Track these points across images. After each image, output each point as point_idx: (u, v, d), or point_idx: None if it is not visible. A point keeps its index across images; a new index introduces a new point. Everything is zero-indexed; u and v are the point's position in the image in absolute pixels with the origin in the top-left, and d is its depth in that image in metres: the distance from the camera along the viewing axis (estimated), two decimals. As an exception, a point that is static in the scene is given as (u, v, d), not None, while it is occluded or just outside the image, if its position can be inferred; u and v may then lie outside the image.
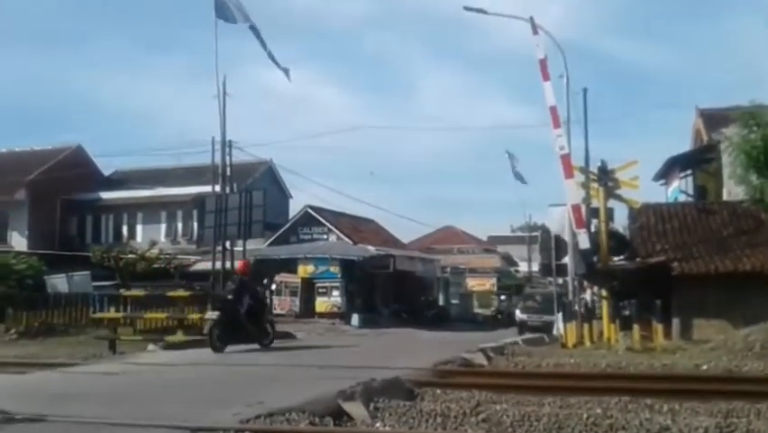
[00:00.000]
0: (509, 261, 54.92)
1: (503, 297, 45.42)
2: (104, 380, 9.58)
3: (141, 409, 6.95)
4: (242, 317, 13.92)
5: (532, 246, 42.23)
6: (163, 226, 38.93)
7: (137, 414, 6.57)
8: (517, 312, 29.60)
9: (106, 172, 42.97)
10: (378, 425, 6.81)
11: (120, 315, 17.91)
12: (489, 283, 47.52)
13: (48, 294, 24.30)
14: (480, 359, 11.71)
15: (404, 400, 7.67)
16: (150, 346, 14.78)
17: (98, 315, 19.22)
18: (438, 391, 8.45)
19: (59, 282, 26.65)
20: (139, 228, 39.37)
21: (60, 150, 40.69)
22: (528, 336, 18.81)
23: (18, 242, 37.12)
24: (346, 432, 6.36)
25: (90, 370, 10.80)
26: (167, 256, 33.84)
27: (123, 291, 21.79)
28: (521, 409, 7.14)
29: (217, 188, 26.43)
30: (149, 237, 36.77)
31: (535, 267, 36.11)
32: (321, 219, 35.12)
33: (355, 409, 7.10)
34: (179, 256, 34.53)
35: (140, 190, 38.40)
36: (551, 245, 17.64)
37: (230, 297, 14.20)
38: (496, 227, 67.23)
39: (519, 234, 60.85)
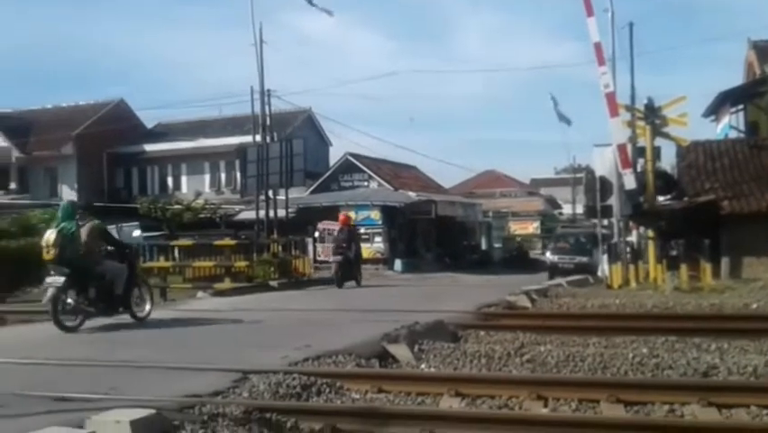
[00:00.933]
0: (553, 203, 54.30)
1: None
2: (157, 326, 9.90)
3: (193, 354, 7.19)
4: (352, 260, 17.51)
5: (576, 188, 41.60)
6: (207, 177, 39.48)
7: (190, 358, 6.79)
8: (547, 254, 27.05)
9: (149, 125, 43.53)
10: (422, 366, 6.91)
11: (169, 264, 18.39)
12: (531, 227, 47.21)
13: (100, 245, 24.97)
14: (523, 301, 11.72)
15: (448, 342, 7.75)
16: (200, 294, 15.18)
17: (149, 264, 19.75)
18: (482, 334, 8.51)
19: (109, 234, 27.31)
20: (183, 179, 40.01)
21: (104, 104, 41.28)
22: (559, 280, 17.00)
23: (68, 195, 38.09)
24: (391, 373, 6.48)
25: (143, 317, 11.13)
26: (212, 206, 34.43)
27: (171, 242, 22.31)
28: (565, 349, 7.15)
29: (258, 137, 26.56)
30: (194, 188, 37.43)
31: (580, 209, 35.63)
32: (361, 166, 35.09)
33: (400, 351, 7.22)
34: (224, 206, 35.08)
35: (182, 142, 38.87)
36: (596, 186, 17.29)
37: (344, 244, 17.44)
38: (539, 170, 66.39)
39: (563, 175, 59.95)
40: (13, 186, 39.61)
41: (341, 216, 20.49)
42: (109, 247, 10.30)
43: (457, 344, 7.80)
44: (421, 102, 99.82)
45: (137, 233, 24.90)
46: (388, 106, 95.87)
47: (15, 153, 39.05)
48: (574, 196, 44.31)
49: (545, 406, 5.35)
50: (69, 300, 9.28)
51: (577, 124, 66.55)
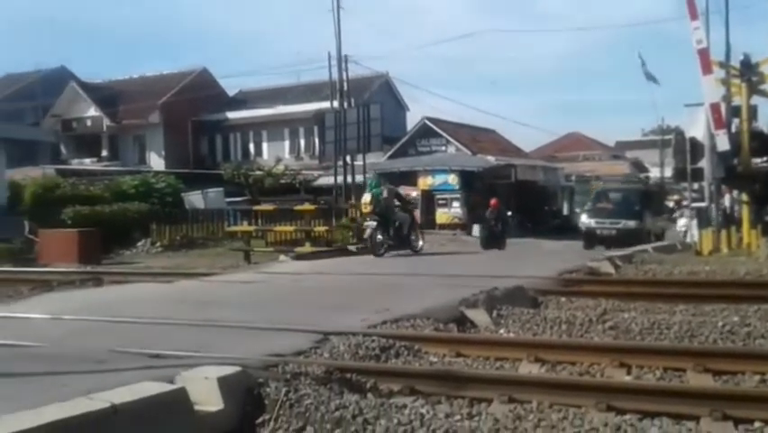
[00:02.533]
0: (639, 167, 52.29)
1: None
2: (241, 288, 10.23)
3: (276, 315, 7.39)
4: (498, 233, 20.40)
5: (664, 151, 39.87)
6: (287, 143, 40.19)
7: (272, 319, 6.99)
8: (582, 217, 22.17)
9: (230, 93, 44.53)
10: (501, 331, 6.87)
11: (252, 228, 18.91)
12: (616, 191, 45.66)
13: (186, 210, 25.97)
14: (606, 267, 11.42)
15: (527, 308, 7.66)
16: (282, 257, 15.55)
17: (233, 228, 20.39)
18: (563, 300, 8.36)
19: (195, 199, 28.34)
20: (264, 146, 40.88)
21: (187, 73, 42.51)
22: (646, 246, 15.32)
23: (156, 162, 39.74)
24: (470, 338, 6.47)
25: (229, 279, 11.55)
26: (291, 172, 35.08)
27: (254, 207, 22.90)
28: (650, 317, 6.94)
29: (335, 103, 26.74)
30: (274, 154, 38.21)
31: (668, 172, 34.18)
32: (439, 131, 34.82)
33: (479, 316, 7.20)
34: (303, 171, 35.69)
35: (263, 109, 39.61)
36: (686, 148, 16.52)
37: (492, 223, 20.90)
38: (625, 132, 64.07)
39: (651, 137, 57.54)
40: (104, 153, 41.57)
41: (492, 202, 21.69)
42: (397, 203, 14.80)
43: (537, 310, 7.70)
44: (501, 63, 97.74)
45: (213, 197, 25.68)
46: (466, 69, 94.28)
47: (106, 122, 40.89)
48: (662, 159, 42.47)
49: (628, 374, 5.22)
50: (379, 237, 13.97)
51: (666, 83, 63.65)
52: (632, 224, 19.24)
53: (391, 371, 5.26)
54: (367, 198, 14.20)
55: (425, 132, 35.15)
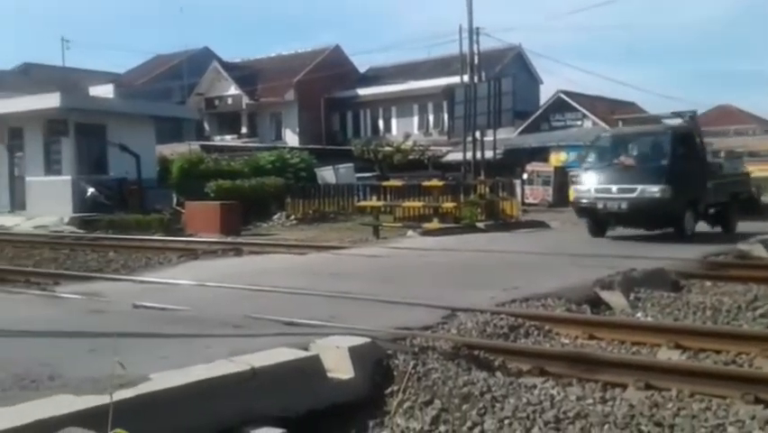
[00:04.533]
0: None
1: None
2: (371, 262, 10.44)
3: (404, 289, 7.47)
4: None
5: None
6: (416, 119, 40.33)
7: (401, 293, 7.07)
8: (579, 185, 13.49)
9: (361, 70, 45.22)
10: (639, 315, 6.56)
11: (381, 203, 19.19)
12: (772, 169, 42.00)
13: (319, 185, 26.79)
14: (759, 251, 10.53)
15: (668, 291, 7.26)
16: (410, 232, 15.69)
17: (362, 203, 20.78)
18: (708, 284, 7.86)
19: (327, 174, 29.15)
20: (393, 122, 41.29)
21: (320, 51, 43.62)
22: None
23: (291, 138, 41.26)
24: (604, 321, 6.22)
25: (358, 252, 11.82)
26: (420, 148, 35.16)
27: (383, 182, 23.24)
28: (810, 306, 6.36)
29: (466, 77, 26.42)
30: (403, 130, 38.47)
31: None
32: (574, 104, 33.61)
33: (614, 298, 6.91)
34: (432, 147, 35.67)
35: (392, 85, 39.92)
36: None
37: None
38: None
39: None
40: (243, 130, 43.68)
41: None
42: None
43: (678, 293, 7.27)
44: (642, 31, 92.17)
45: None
46: (605, 38, 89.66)
47: (245, 100, 42.88)
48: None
49: (782, 366, 4.81)
50: None
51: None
52: (656, 191, 11.61)
53: (521, 350, 5.17)
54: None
55: (560, 105, 34.03)
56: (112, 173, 22.17)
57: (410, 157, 34.10)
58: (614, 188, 12.07)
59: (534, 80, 40.36)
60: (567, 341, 5.63)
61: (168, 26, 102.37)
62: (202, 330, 5.42)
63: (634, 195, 11.77)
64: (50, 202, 20.83)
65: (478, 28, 26.21)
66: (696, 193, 12.34)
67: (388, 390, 4.32)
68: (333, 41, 44.92)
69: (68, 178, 21.28)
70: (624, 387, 4.41)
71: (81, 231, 18.05)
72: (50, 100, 20.87)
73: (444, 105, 33.45)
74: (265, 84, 42.34)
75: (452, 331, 5.53)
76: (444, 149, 34.77)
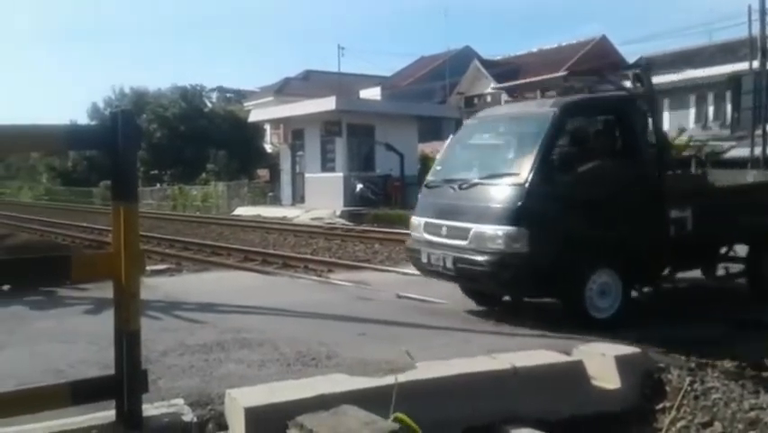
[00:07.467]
0: None
1: None
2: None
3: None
4: None
5: None
6: (692, 111, 36.97)
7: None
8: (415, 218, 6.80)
9: (630, 60, 42.68)
10: None
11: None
12: None
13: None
14: None
15: None
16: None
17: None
18: None
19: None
20: (666, 115, 38.30)
21: (584, 43, 42.08)
22: None
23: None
24: None
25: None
26: (696, 143, 32.16)
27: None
28: None
29: (755, 64, 23.49)
30: (676, 124, 35.48)
31: None
32: None
33: None
34: (710, 142, 32.40)
35: (666, 75, 37.02)
36: None
37: None
38: None
39: None
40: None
41: None
42: None
43: None
44: None
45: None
46: None
47: (504, 98, 42.80)
48: None
49: None
50: None
51: None
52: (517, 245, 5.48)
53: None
54: None
55: None
56: (378, 170, 23.72)
57: (685, 153, 31.32)
58: (444, 226, 6.10)
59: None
60: None
61: (432, 29, 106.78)
62: (461, 324, 5.50)
63: (464, 242, 5.77)
64: (325, 196, 22.93)
65: (772, 7, 23.11)
66: (619, 235, 5.66)
67: (659, 405, 3.97)
68: (599, 32, 42.82)
69: (341, 174, 23.21)
70: None
71: (350, 223, 19.53)
72: (326, 104, 22.94)
73: (728, 95, 30.22)
74: (526, 80, 41.98)
75: (740, 348, 4.90)
76: (726, 144, 31.35)
